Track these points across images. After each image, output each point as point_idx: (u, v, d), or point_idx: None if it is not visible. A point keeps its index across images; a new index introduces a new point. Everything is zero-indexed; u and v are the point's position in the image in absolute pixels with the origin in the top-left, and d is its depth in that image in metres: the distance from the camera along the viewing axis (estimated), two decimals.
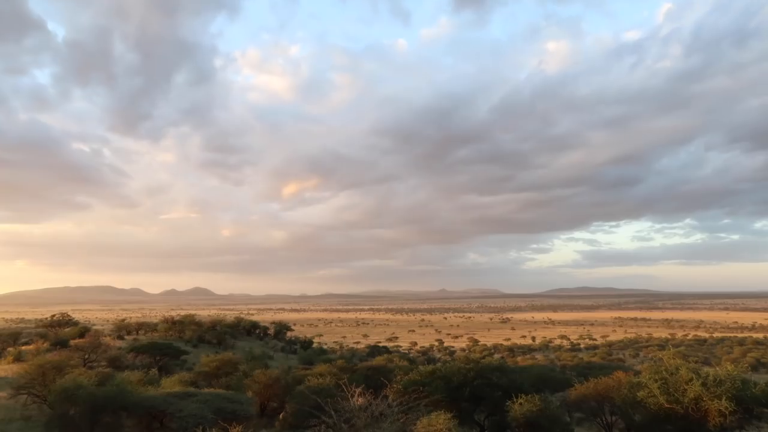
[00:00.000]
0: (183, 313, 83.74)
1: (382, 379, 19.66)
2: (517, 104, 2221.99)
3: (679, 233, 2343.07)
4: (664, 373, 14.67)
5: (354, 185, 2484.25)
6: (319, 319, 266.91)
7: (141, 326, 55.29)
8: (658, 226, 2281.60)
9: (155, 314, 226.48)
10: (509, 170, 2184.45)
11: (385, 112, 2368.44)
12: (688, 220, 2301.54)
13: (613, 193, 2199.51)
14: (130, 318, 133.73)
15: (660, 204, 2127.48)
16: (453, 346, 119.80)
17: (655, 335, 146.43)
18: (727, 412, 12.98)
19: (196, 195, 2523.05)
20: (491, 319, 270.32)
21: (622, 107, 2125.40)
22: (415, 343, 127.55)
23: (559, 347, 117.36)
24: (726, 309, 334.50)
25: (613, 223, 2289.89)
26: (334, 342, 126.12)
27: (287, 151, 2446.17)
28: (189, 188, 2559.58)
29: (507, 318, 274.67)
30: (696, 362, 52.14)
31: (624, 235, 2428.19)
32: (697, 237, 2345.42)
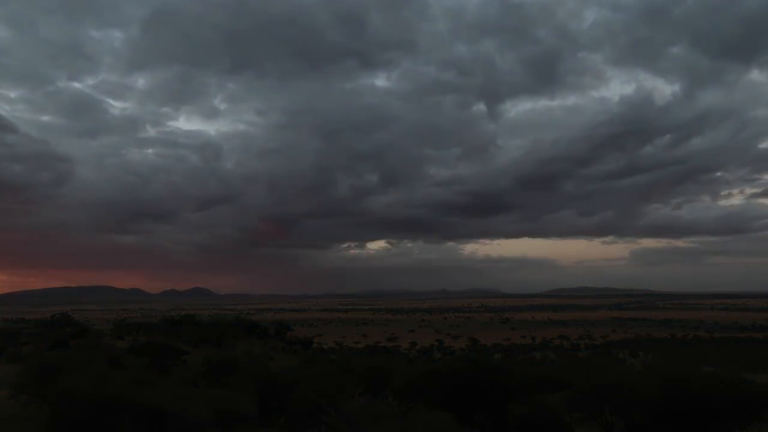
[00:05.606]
0: (183, 313, 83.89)
1: (382, 379, 19.69)
2: None
3: None
4: (664, 372, 14.71)
5: None
6: (319, 319, 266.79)
7: (141, 326, 55.34)
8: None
9: (155, 314, 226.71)
10: None
11: None
12: None
13: None
14: (130, 318, 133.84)
15: None
16: (453, 347, 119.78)
17: (655, 335, 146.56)
18: (727, 412, 13.00)
19: None
20: (491, 319, 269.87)
21: None
22: (415, 344, 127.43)
23: (559, 347, 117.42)
24: (726, 309, 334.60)
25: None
26: (334, 342, 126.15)
27: None
28: None
29: (507, 318, 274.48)
30: (696, 362, 52.31)
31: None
32: None
